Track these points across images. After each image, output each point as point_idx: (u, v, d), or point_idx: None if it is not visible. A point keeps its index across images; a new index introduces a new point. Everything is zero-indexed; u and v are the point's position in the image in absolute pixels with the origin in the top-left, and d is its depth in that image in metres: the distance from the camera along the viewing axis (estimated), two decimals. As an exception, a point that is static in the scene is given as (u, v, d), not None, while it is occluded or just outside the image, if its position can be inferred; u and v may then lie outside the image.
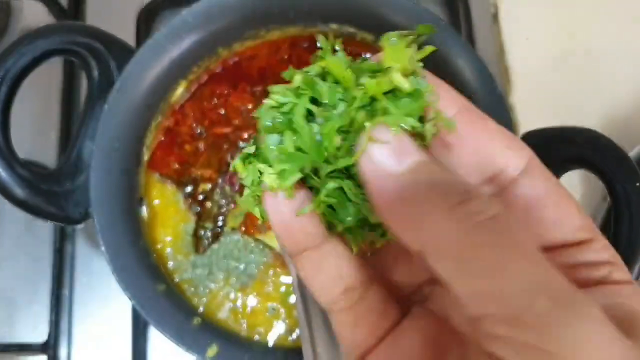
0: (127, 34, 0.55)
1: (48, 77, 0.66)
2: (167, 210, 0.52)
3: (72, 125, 0.71)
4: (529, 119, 0.52)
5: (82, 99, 0.71)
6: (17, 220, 0.70)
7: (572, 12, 0.76)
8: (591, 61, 0.73)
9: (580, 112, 0.70)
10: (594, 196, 0.70)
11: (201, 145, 0.54)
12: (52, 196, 0.47)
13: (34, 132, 0.68)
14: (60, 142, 0.69)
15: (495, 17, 0.75)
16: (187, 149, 0.54)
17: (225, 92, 0.55)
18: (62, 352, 0.65)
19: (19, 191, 0.46)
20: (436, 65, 0.48)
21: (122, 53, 0.51)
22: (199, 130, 0.54)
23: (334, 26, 0.53)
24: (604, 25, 0.75)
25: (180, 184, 0.53)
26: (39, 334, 0.65)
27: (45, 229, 0.69)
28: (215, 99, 0.55)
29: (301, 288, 0.34)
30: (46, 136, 0.70)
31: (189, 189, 0.53)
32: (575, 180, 0.69)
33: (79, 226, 0.50)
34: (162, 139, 0.53)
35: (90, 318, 0.66)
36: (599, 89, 0.71)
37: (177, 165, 0.53)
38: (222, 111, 0.54)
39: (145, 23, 0.74)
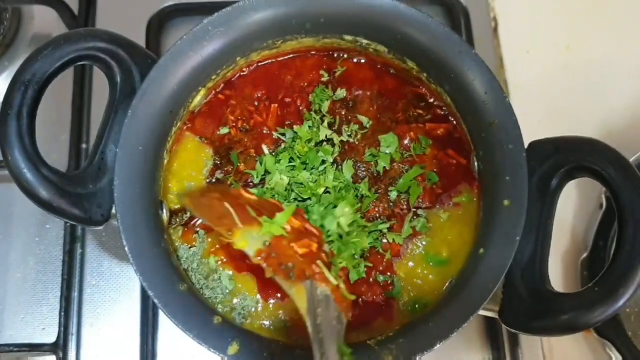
0: (137, 41, 0.55)
1: (59, 82, 0.67)
2: (184, 213, 0.54)
3: (82, 129, 0.72)
4: (528, 130, 0.54)
5: (93, 103, 0.72)
6: (27, 223, 0.70)
7: (569, 26, 0.78)
8: (588, 73, 0.76)
9: (578, 123, 0.73)
10: (589, 205, 0.72)
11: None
12: (75, 198, 0.48)
13: (45, 136, 0.69)
14: (71, 145, 0.70)
15: (495, 30, 0.78)
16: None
17: (237, 100, 0.57)
18: (71, 352, 0.65)
19: (43, 192, 0.47)
20: (449, 75, 0.51)
21: (144, 60, 0.52)
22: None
23: (348, 37, 0.55)
24: (600, 39, 0.78)
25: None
26: (49, 335, 0.66)
27: (54, 233, 0.70)
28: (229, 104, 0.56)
29: (314, 314, 0.43)
30: (57, 139, 0.71)
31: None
32: (571, 188, 0.72)
33: (97, 228, 0.51)
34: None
35: (99, 319, 0.67)
36: (597, 100, 0.74)
37: (193, 173, 0.54)
38: (232, 117, 0.56)
39: (156, 31, 0.76)
